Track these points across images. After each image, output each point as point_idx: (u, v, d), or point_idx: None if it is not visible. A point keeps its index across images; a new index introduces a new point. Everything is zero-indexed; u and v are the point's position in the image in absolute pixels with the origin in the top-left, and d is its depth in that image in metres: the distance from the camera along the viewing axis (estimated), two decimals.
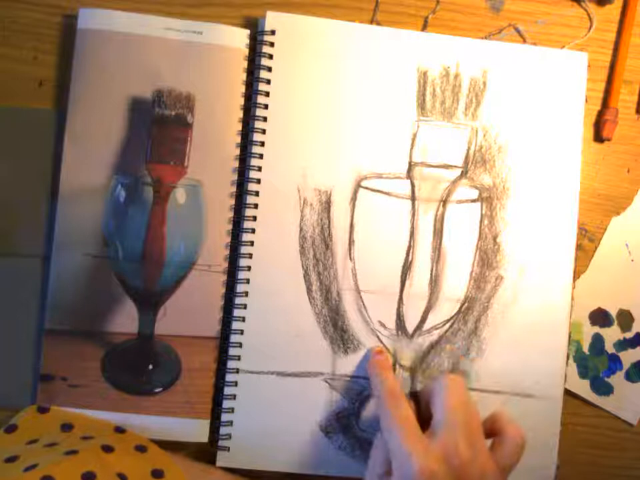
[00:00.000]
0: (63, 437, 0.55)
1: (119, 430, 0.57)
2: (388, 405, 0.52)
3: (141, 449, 0.55)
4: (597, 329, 0.62)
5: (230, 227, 0.59)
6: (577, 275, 0.62)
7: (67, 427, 0.56)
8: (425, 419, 0.52)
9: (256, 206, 0.59)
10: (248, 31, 0.60)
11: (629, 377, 0.62)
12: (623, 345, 0.62)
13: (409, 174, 0.60)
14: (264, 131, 0.59)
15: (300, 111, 0.59)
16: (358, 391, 0.59)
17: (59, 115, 0.59)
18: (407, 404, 0.52)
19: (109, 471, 0.50)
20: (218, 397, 0.59)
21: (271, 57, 0.59)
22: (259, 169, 0.59)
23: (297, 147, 0.59)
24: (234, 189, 0.59)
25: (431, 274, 0.60)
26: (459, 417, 0.50)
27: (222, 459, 0.58)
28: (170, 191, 0.58)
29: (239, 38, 0.59)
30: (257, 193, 0.59)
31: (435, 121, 0.60)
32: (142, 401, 0.58)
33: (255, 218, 0.59)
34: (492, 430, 0.53)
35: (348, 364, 0.59)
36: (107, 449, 0.53)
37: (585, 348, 0.62)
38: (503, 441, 0.52)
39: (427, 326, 0.60)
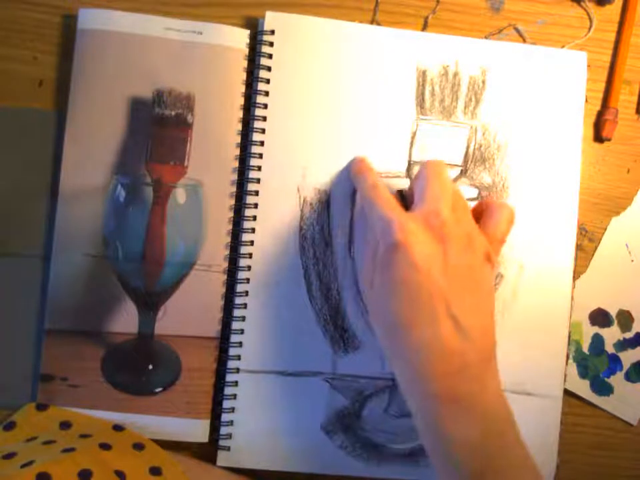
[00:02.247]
0: (61, 434, 0.55)
1: (117, 428, 0.57)
2: (369, 193, 0.53)
3: (138, 446, 0.55)
4: (596, 329, 0.62)
5: (230, 226, 0.59)
6: (576, 275, 0.62)
7: (65, 425, 0.56)
8: None
9: (256, 206, 0.59)
10: (248, 31, 0.60)
11: (629, 377, 0.62)
12: (623, 345, 0.62)
13: (409, 173, 0.60)
14: (263, 131, 0.59)
15: (299, 110, 0.59)
16: (358, 390, 0.59)
17: (59, 115, 0.59)
18: (386, 190, 0.53)
19: (106, 468, 0.50)
20: (218, 397, 0.59)
21: (270, 56, 0.59)
22: (259, 168, 0.59)
23: (296, 147, 0.59)
24: (234, 188, 0.59)
25: None
26: (440, 189, 0.51)
27: (222, 459, 0.58)
28: (170, 191, 0.58)
29: (239, 38, 0.59)
30: (256, 193, 0.59)
31: (434, 119, 0.60)
32: (142, 400, 0.58)
33: (254, 218, 0.59)
34: (479, 211, 0.54)
35: (348, 363, 0.59)
36: (105, 446, 0.53)
37: (585, 348, 0.62)
38: (491, 215, 0.53)
39: None
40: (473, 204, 0.57)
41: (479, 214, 0.54)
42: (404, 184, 0.60)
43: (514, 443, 0.48)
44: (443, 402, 0.47)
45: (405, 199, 0.56)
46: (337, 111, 0.60)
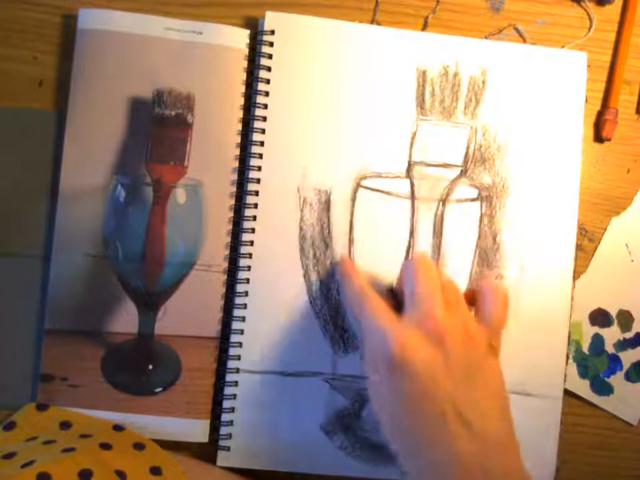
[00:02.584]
0: (61, 434, 0.55)
1: (118, 428, 0.57)
2: (359, 302, 0.52)
3: (139, 446, 0.55)
4: (596, 329, 0.62)
5: (230, 226, 0.59)
6: (576, 275, 0.62)
7: (65, 425, 0.56)
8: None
9: (256, 206, 0.59)
10: (248, 31, 0.60)
11: (629, 377, 0.62)
12: (623, 345, 0.62)
13: (409, 173, 0.60)
14: (263, 131, 0.59)
15: (299, 110, 0.59)
16: (358, 390, 0.59)
17: (58, 115, 0.59)
18: (376, 296, 0.52)
19: (106, 468, 0.50)
20: (218, 397, 0.59)
21: (270, 56, 0.59)
22: (259, 168, 0.59)
23: (296, 147, 0.59)
24: (234, 188, 0.59)
25: None
26: (430, 287, 0.50)
27: (222, 459, 0.58)
28: (170, 191, 0.58)
29: (239, 38, 0.59)
30: (256, 193, 0.59)
31: (434, 120, 0.60)
32: (142, 400, 0.58)
33: (254, 218, 0.59)
34: (472, 297, 0.53)
35: (348, 363, 0.59)
36: (105, 446, 0.53)
37: (585, 348, 0.62)
38: (484, 302, 0.52)
39: None
40: (474, 203, 0.57)
41: (471, 298, 0.54)
42: (404, 183, 0.60)
43: None
44: None
45: (396, 295, 0.56)
46: (337, 111, 0.60)
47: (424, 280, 0.51)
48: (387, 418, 0.49)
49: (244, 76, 0.59)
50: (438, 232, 0.60)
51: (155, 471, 0.53)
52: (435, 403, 0.46)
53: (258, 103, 0.59)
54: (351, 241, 0.59)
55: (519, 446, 0.48)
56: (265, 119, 0.59)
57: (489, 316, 0.51)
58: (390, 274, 0.59)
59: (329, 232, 0.59)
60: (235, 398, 0.58)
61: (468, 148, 0.60)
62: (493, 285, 0.53)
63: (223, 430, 0.58)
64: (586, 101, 0.62)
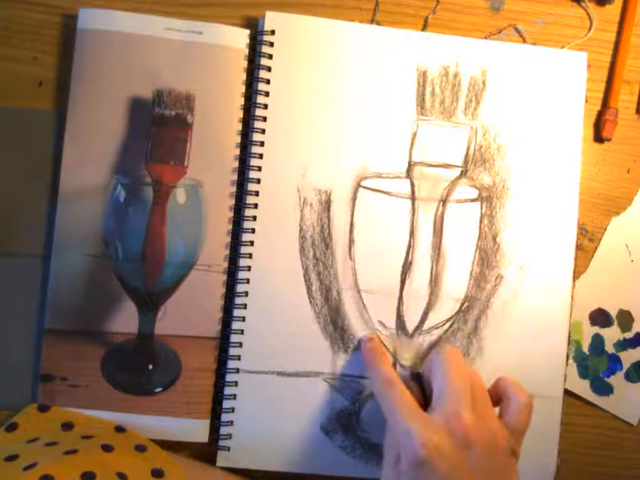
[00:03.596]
0: (63, 436, 0.55)
1: (119, 429, 0.57)
2: (385, 392, 0.52)
3: (140, 448, 0.55)
4: (596, 329, 0.62)
5: (230, 226, 0.59)
6: (576, 275, 0.62)
7: (67, 426, 0.56)
8: (430, 399, 0.52)
9: (256, 206, 0.59)
10: (248, 31, 0.60)
11: (629, 377, 0.62)
12: (623, 345, 0.62)
13: (409, 173, 0.60)
14: (263, 131, 0.59)
15: (299, 110, 0.59)
16: (358, 390, 0.59)
17: (58, 115, 0.59)
18: (402, 386, 0.52)
19: (108, 470, 0.50)
20: (218, 397, 0.59)
21: (270, 56, 0.59)
22: (259, 168, 0.59)
23: (296, 147, 0.59)
24: (234, 188, 0.59)
25: (431, 273, 0.60)
26: (459, 386, 0.50)
27: (222, 459, 0.58)
28: (170, 191, 0.58)
29: (239, 38, 0.59)
30: (256, 193, 0.59)
31: (434, 120, 0.60)
32: (142, 400, 0.58)
33: (254, 218, 0.59)
34: (497, 395, 0.53)
35: (348, 363, 0.59)
36: (107, 448, 0.53)
37: (585, 348, 0.62)
38: (509, 404, 0.51)
39: (427, 325, 0.60)
40: (474, 204, 0.57)
41: (496, 396, 0.53)
42: (404, 183, 0.60)
43: None
44: None
45: (422, 381, 0.55)
46: (337, 111, 0.60)
47: (454, 378, 0.50)
48: None
49: (244, 76, 0.59)
50: (438, 232, 0.60)
51: (157, 473, 0.53)
52: None
53: (258, 103, 0.59)
54: (351, 241, 0.59)
55: None
56: (264, 119, 0.59)
57: (514, 421, 0.51)
58: (390, 274, 0.60)
59: (329, 232, 0.59)
60: (234, 398, 0.58)
61: (468, 148, 0.60)
62: (518, 388, 0.52)
63: (223, 430, 0.58)
64: (586, 101, 0.62)
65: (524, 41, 0.63)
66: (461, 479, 0.46)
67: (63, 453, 0.51)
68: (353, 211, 0.59)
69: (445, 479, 0.46)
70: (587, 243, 0.63)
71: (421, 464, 0.46)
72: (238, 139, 0.59)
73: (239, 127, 0.59)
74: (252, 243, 0.59)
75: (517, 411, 0.51)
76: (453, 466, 0.46)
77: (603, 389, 0.62)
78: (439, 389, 0.50)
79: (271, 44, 0.59)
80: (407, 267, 0.60)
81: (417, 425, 0.48)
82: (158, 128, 0.58)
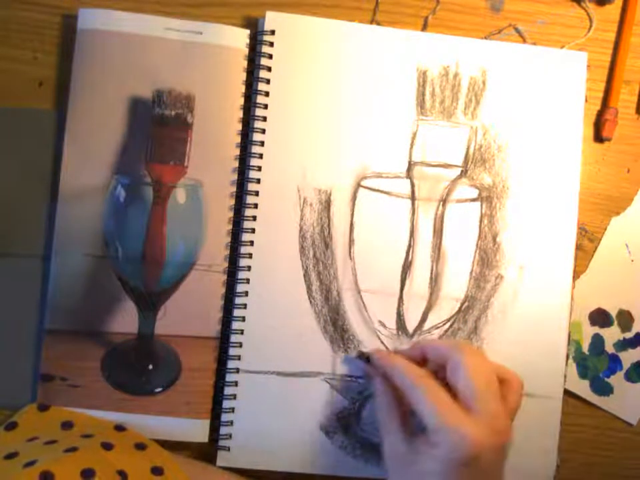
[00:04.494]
0: (62, 434, 0.55)
1: (119, 428, 0.57)
2: (420, 385, 0.52)
3: (140, 446, 0.55)
4: (596, 329, 0.62)
5: (230, 226, 0.59)
6: (576, 274, 0.62)
7: (67, 425, 0.56)
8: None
9: (256, 206, 0.59)
10: (248, 31, 0.60)
11: (629, 377, 0.62)
12: (623, 345, 0.62)
13: (409, 173, 0.60)
14: (263, 131, 0.59)
15: (299, 110, 0.59)
16: (358, 390, 0.59)
17: (58, 115, 0.59)
18: (435, 381, 0.52)
19: (108, 468, 0.50)
20: (218, 397, 0.59)
21: (270, 56, 0.59)
22: (259, 168, 0.59)
23: (296, 147, 0.59)
24: (234, 188, 0.59)
25: (431, 273, 0.60)
26: (490, 386, 0.51)
27: (222, 459, 0.58)
28: (170, 191, 0.58)
29: (239, 38, 0.59)
30: (256, 193, 0.59)
31: (434, 120, 0.60)
32: (142, 400, 0.58)
33: (254, 218, 0.59)
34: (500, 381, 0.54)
35: (348, 363, 0.59)
36: (107, 446, 0.53)
37: (585, 348, 0.62)
38: (509, 390, 0.53)
39: (427, 325, 0.60)
40: (474, 204, 0.58)
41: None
42: (404, 183, 0.60)
43: None
44: None
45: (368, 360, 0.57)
46: (337, 111, 0.60)
47: (481, 377, 0.51)
48: None
49: (244, 76, 0.59)
50: (438, 232, 0.60)
51: (157, 471, 0.53)
52: None
53: (258, 103, 0.59)
54: (351, 241, 0.59)
55: None
56: (265, 118, 0.59)
57: (513, 403, 0.53)
58: (390, 274, 0.60)
59: (329, 232, 0.59)
60: (234, 398, 0.58)
61: (468, 148, 0.60)
62: (512, 372, 0.54)
63: (223, 430, 0.58)
64: (586, 100, 0.62)
65: (524, 40, 0.63)
66: (494, 475, 0.49)
67: (62, 451, 0.51)
68: (353, 210, 0.59)
69: (478, 473, 0.48)
70: (586, 243, 0.63)
71: (467, 462, 0.47)
72: (238, 139, 0.59)
73: (239, 126, 0.60)
74: (252, 243, 0.59)
75: (516, 398, 0.53)
76: (493, 463, 0.48)
77: (603, 389, 0.62)
78: (468, 389, 0.50)
79: (271, 44, 0.59)
80: (407, 267, 0.60)
81: (465, 423, 0.48)
82: (158, 128, 0.58)
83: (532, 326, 0.60)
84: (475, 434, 0.47)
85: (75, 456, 0.50)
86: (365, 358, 0.58)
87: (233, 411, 0.58)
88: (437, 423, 0.49)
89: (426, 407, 0.50)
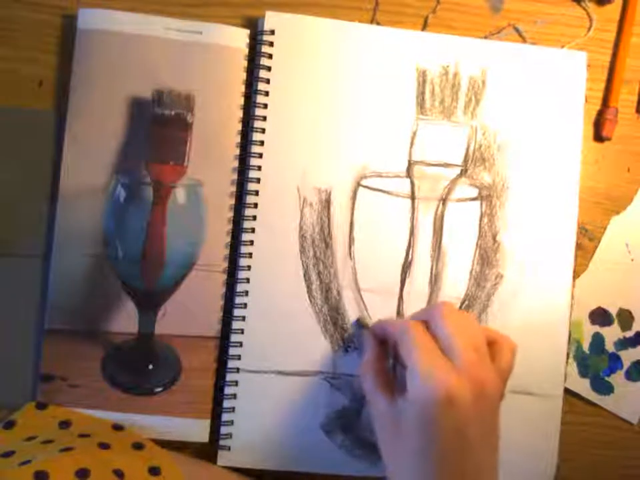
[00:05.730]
0: (60, 434, 0.55)
1: (117, 427, 0.57)
2: (405, 334, 0.51)
3: (138, 446, 0.55)
4: (597, 328, 0.62)
5: (230, 226, 0.59)
6: (577, 274, 0.62)
7: (64, 424, 0.56)
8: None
9: (255, 205, 0.59)
10: (248, 31, 0.60)
11: (629, 376, 0.62)
12: (623, 344, 0.63)
13: (409, 172, 0.60)
14: (263, 131, 0.59)
15: (299, 110, 0.59)
16: (358, 389, 0.59)
17: (58, 115, 0.59)
18: (423, 329, 0.51)
19: (105, 467, 0.50)
20: (218, 397, 0.59)
21: (270, 56, 0.59)
22: (259, 168, 0.59)
23: (296, 146, 0.59)
24: (234, 188, 0.59)
25: (431, 272, 0.60)
26: (471, 340, 0.49)
27: (223, 458, 0.58)
28: (170, 190, 0.58)
29: (239, 38, 0.59)
30: (256, 193, 0.59)
31: (434, 119, 0.60)
32: (142, 400, 0.58)
33: (254, 217, 0.59)
34: (490, 345, 0.53)
35: (348, 363, 0.59)
36: (104, 446, 0.53)
37: (585, 347, 0.62)
38: (500, 350, 0.52)
39: None
40: (474, 203, 0.57)
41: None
42: (404, 183, 0.60)
43: None
44: None
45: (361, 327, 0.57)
46: (336, 110, 0.60)
47: (462, 326, 0.50)
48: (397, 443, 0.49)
49: (244, 76, 0.59)
50: (438, 231, 0.60)
51: (154, 471, 0.53)
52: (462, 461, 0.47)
53: (258, 103, 0.59)
54: (351, 241, 0.60)
55: None
56: (264, 118, 0.59)
57: (504, 364, 0.51)
58: (390, 273, 0.60)
59: (329, 232, 0.59)
60: (235, 398, 0.58)
61: (468, 147, 0.60)
62: (505, 336, 0.53)
63: (223, 429, 0.58)
64: (586, 100, 0.62)
65: (524, 40, 0.63)
66: (471, 425, 0.47)
67: (58, 451, 0.51)
68: (352, 210, 0.59)
69: (458, 423, 0.46)
70: (586, 242, 0.63)
71: (439, 405, 0.46)
72: (238, 139, 0.59)
73: (239, 126, 0.60)
74: (252, 243, 0.59)
75: (508, 358, 0.52)
76: (468, 412, 0.47)
77: (603, 388, 0.62)
78: (449, 339, 0.49)
79: (271, 44, 0.59)
80: (406, 266, 0.60)
81: (439, 366, 0.47)
82: (158, 128, 0.58)
83: (532, 325, 0.60)
84: (448, 378, 0.46)
85: (70, 455, 0.50)
86: (364, 325, 0.58)
87: (233, 411, 0.58)
88: (412, 364, 0.49)
89: (408, 351, 0.50)
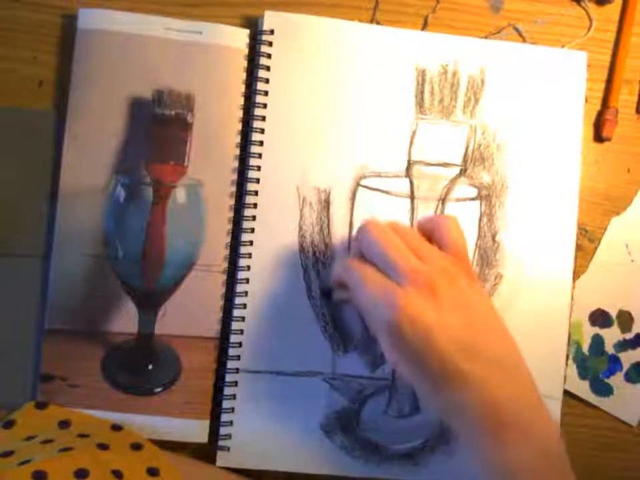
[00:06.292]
0: (59, 433, 0.55)
1: (116, 427, 0.57)
2: (345, 273, 0.52)
3: (136, 446, 0.55)
4: (596, 330, 0.62)
5: (230, 226, 0.59)
6: (576, 275, 0.62)
7: (64, 424, 0.56)
8: None
9: (255, 206, 0.59)
10: (247, 31, 0.60)
11: (629, 377, 0.62)
12: (623, 345, 0.62)
13: (408, 172, 0.60)
14: (263, 131, 0.59)
15: (299, 110, 0.59)
16: (358, 390, 0.59)
17: (58, 115, 0.59)
18: (360, 263, 0.51)
19: (103, 468, 0.50)
20: (218, 397, 0.59)
21: (270, 56, 0.59)
22: (259, 168, 0.59)
23: (296, 146, 0.59)
24: (234, 188, 0.59)
25: None
26: (397, 249, 0.50)
27: (222, 459, 0.58)
28: (170, 190, 0.58)
29: (239, 38, 0.59)
30: (256, 193, 0.59)
31: (433, 119, 0.60)
32: (142, 400, 0.58)
33: (254, 217, 0.59)
34: (427, 234, 0.53)
35: (348, 363, 0.59)
36: (102, 446, 0.53)
37: (585, 348, 0.62)
38: (440, 232, 0.52)
39: None
40: (473, 203, 0.58)
41: (426, 234, 0.54)
42: (403, 183, 0.60)
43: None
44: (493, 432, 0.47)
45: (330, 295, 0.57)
46: (336, 110, 0.60)
47: (384, 241, 0.50)
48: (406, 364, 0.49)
49: (244, 76, 0.59)
50: None
51: (153, 471, 0.53)
52: (442, 349, 0.47)
53: (257, 103, 0.59)
54: (350, 240, 0.59)
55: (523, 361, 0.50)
56: (264, 118, 0.59)
57: (452, 244, 0.52)
58: None
59: (328, 231, 0.59)
60: (234, 398, 0.58)
61: (467, 147, 0.60)
62: (440, 216, 0.54)
63: (223, 430, 0.58)
64: (586, 100, 0.62)
65: (523, 40, 0.63)
66: (439, 322, 0.47)
67: (57, 451, 0.51)
68: (352, 210, 0.59)
69: (425, 330, 0.47)
70: (586, 243, 0.63)
71: (398, 327, 0.47)
72: (238, 139, 0.59)
73: (239, 126, 0.60)
74: (252, 243, 0.59)
75: (450, 234, 0.52)
76: (429, 316, 0.47)
77: (603, 389, 0.62)
78: (383, 261, 0.50)
79: (270, 43, 0.59)
80: None
81: (381, 293, 0.48)
82: (158, 128, 0.58)
83: (532, 326, 0.60)
84: (391, 300, 0.47)
85: (69, 455, 0.50)
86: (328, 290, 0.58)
87: (232, 411, 0.58)
88: (359, 302, 0.50)
89: (354, 290, 0.51)
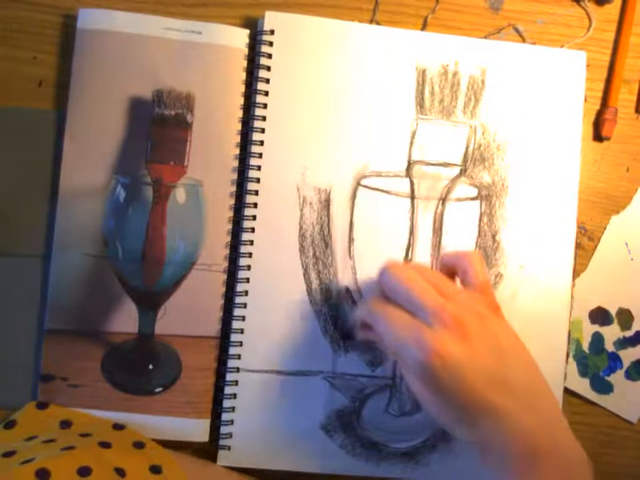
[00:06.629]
0: (61, 433, 0.55)
1: (118, 427, 0.57)
2: (370, 314, 0.52)
3: (139, 445, 0.55)
4: (596, 328, 0.62)
5: (230, 226, 0.59)
6: (576, 273, 0.62)
7: (65, 424, 0.56)
8: None
9: (255, 205, 0.59)
10: (248, 31, 0.60)
11: (629, 375, 0.62)
12: (623, 343, 0.63)
13: (408, 172, 0.60)
14: (263, 131, 0.59)
15: (299, 110, 0.59)
16: (358, 389, 0.59)
17: (58, 115, 0.59)
18: (384, 302, 0.51)
19: (106, 466, 0.50)
20: (218, 396, 0.59)
21: (270, 56, 0.59)
22: (259, 168, 0.59)
23: (296, 146, 0.59)
24: (234, 188, 0.59)
25: None
26: (423, 289, 0.50)
27: (223, 458, 0.58)
28: (170, 190, 0.58)
29: (239, 38, 0.59)
30: (256, 193, 0.59)
31: (433, 119, 0.60)
32: (142, 400, 0.58)
33: (254, 217, 0.59)
34: (449, 271, 0.54)
35: (348, 362, 0.59)
36: (105, 445, 0.53)
37: (585, 346, 0.62)
38: (462, 269, 0.53)
39: None
40: (474, 202, 0.58)
41: (449, 272, 0.54)
42: (403, 182, 0.60)
43: None
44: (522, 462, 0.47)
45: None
46: (336, 110, 0.60)
47: (413, 285, 0.50)
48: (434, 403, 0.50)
49: (244, 76, 0.60)
50: (438, 231, 0.60)
51: (155, 469, 0.53)
52: (473, 385, 0.47)
53: (258, 103, 0.59)
54: (350, 240, 0.60)
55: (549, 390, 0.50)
56: (264, 118, 0.59)
57: (475, 278, 0.52)
58: None
59: (328, 231, 0.59)
60: (235, 397, 0.58)
61: (467, 147, 0.60)
62: (461, 252, 0.54)
63: (223, 429, 0.58)
64: (585, 100, 0.62)
65: (523, 40, 0.63)
66: (469, 359, 0.47)
67: (59, 450, 0.51)
68: (352, 209, 0.60)
69: (456, 368, 0.47)
70: (586, 242, 0.63)
71: (428, 367, 0.47)
72: (238, 139, 0.59)
73: (239, 126, 0.60)
74: (252, 243, 0.59)
75: (473, 268, 0.52)
76: (461, 353, 0.47)
77: (603, 387, 0.62)
78: (409, 303, 0.50)
79: (270, 44, 0.59)
80: None
81: (410, 334, 0.48)
82: (158, 128, 0.58)
83: (532, 324, 0.60)
84: (420, 339, 0.47)
85: (71, 454, 0.50)
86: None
87: (233, 410, 0.58)
88: (388, 341, 0.50)
89: (380, 329, 0.50)
